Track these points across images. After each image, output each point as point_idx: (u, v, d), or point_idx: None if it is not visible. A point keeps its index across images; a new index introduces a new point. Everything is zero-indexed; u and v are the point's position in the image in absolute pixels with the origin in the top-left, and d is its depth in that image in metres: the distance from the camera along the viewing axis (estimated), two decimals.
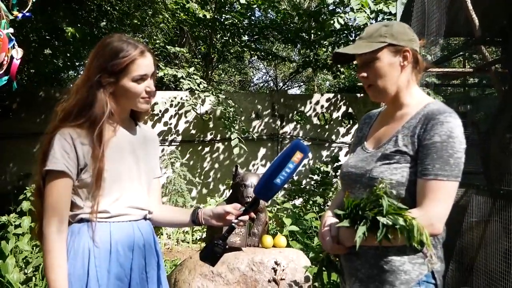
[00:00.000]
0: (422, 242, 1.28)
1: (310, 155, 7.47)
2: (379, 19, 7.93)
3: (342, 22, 6.85)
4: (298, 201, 6.51)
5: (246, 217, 1.59)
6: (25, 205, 4.20)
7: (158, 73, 6.34)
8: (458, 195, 3.06)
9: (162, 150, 7.23)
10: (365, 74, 1.51)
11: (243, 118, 7.52)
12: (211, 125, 7.67)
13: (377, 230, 1.28)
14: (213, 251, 1.54)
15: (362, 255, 1.42)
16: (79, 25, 6.03)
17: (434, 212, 1.34)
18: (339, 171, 1.67)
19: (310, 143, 7.83)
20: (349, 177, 1.54)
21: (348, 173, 1.55)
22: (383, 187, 1.34)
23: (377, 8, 6.16)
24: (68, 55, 7.24)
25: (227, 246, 1.56)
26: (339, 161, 6.77)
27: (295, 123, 7.97)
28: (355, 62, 1.59)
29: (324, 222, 1.54)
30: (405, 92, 1.50)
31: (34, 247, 4.16)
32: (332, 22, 6.73)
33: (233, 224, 1.57)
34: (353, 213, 1.36)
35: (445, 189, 1.35)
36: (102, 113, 1.50)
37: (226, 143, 7.33)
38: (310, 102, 8.07)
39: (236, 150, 6.46)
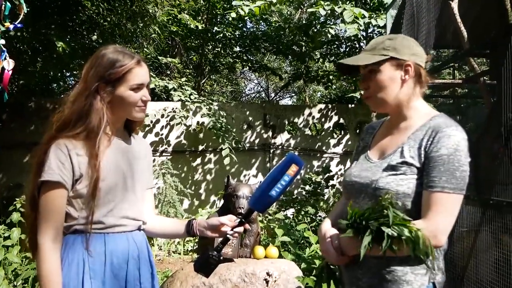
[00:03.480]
0: (427, 253, 1.28)
1: None
2: (369, 30, 8.03)
3: (333, 33, 6.92)
4: (289, 212, 6.51)
5: (241, 229, 1.60)
6: (15, 217, 4.14)
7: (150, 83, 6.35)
8: None
9: (153, 161, 7.20)
10: (366, 86, 1.53)
11: (234, 129, 7.54)
12: (202, 136, 7.67)
13: (382, 240, 1.28)
14: (207, 262, 1.54)
15: (364, 264, 1.42)
16: (69, 37, 6.03)
17: (438, 224, 1.33)
18: (340, 180, 1.68)
19: (301, 153, 7.86)
20: (353, 187, 1.53)
21: (352, 183, 1.54)
22: (389, 198, 1.34)
23: (365, 21, 6.22)
24: (59, 67, 7.22)
25: (221, 258, 1.56)
26: (331, 171, 6.80)
27: (286, 133, 7.99)
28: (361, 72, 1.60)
29: (324, 233, 1.53)
30: (407, 105, 1.51)
31: (24, 259, 4.11)
32: (323, 33, 6.80)
33: (228, 236, 1.58)
34: (356, 223, 1.36)
35: (451, 202, 1.35)
36: (99, 122, 1.51)
37: (218, 154, 7.33)
38: (302, 113, 8.10)
39: (227, 161, 6.46)
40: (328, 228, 1.54)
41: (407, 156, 1.43)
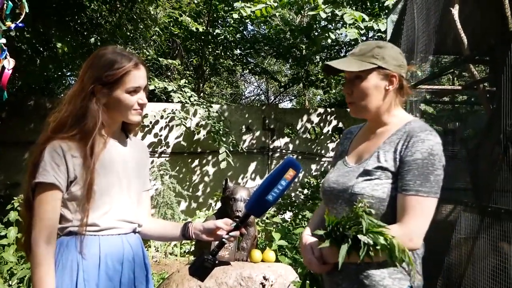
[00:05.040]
0: (402, 259, 1.29)
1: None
2: (370, 35, 8.05)
3: (334, 37, 6.93)
4: (287, 215, 6.50)
5: (237, 233, 1.58)
6: (12, 215, 4.13)
7: (149, 85, 6.36)
8: (446, 211, 3.08)
9: (152, 162, 7.19)
10: (349, 90, 1.54)
11: (233, 131, 7.53)
12: (201, 138, 7.67)
13: (359, 248, 1.29)
14: (202, 266, 1.52)
15: (343, 270, 1.42)
16: (69, 36, 6.02)
17: (414, 228, 1.36)
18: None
19: (300, 157, 7.85)
20: (331, 193, 1.55)
21: (330, 189, 1.57)
22: (362, 206, 1.35)
23: (367, 25, 6.25)
24: (59, 67, 7.22)
25: (217, 262, 1.54)
26: None
27: (285, 137, 7.99)
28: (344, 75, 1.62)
29: (305, 242, 1.54)
30: (386, 113, 1.54)
31: (20, 259, 4.10)
32: (324, 36, 6.82)
33: (224, 240, 1.56)
34: (333, 231, 1.37)
35: (425, 205, 1.37)
36: (95, 125, 1.50)
37: (216, 156, 7.31)
38: (301, 117, 8.10)
39: (223, 165, 6.46)
40: (308, 238, 1.55)
41: (382, 160, 1.45)
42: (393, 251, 1.28)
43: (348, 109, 1.63)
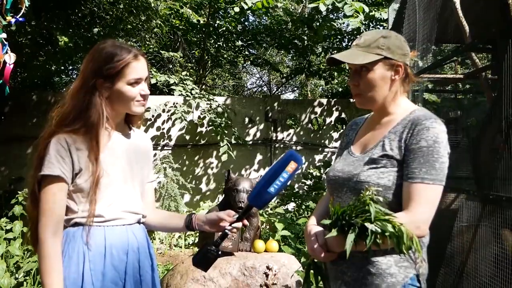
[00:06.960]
0: (410, 247, 1.29)
1: (303, 159, 7.49)
2: (371, 24, 8.02)
3: (336, 26, 6.89)
4: (290, 206, 6.52)
5: (239, 224, 1.60)
6: (17, 210, 4.17)
7: (151, 77, 6.36)
8: (448, 199, 3.09)
9: (155, 155, 7.20)
10: (356, 82, 1.54)
11: (236, 123, 7.53)
12: (204, 130, 7.67)
13: (366, 237, 1.29)
14: (206, 256, 1.55)
15: (349, 258, 1.42)
16: (71, 30, 6.01)
17: (420, 215, 1.36)
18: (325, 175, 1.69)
19: (303, 148, 7.86)
20: (336, 181, 1.56)
21: (335, 177, 1.57)
22: (370, 194, 1.35)
23: (369, 14, 6.20)
24: (61, 61, 7.22)
25: (220, 252, 1.57)
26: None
27: (288, 128, 7.99)
28: (348, 67, 1.61)
29: (309, 231, 1.54)
30: (392, 102, 1.54)
31: (26, 252, 4.14)
32: (326, 27, 6.78)
33: (227, 231, 1.59)
34: (339, 220, 1.37)
35: (431, 193, 1.38)
36: (98, 118, 1.52)
37: (219, 148, 7.34)
38: (304, 107, 8.09)
39: (224, 157, 6.48)
40: (313, 227, 1.56)
41: (387, 149, 1.46)
42: (402, 239, 1.28)
43: (351, 100, 1.63)
